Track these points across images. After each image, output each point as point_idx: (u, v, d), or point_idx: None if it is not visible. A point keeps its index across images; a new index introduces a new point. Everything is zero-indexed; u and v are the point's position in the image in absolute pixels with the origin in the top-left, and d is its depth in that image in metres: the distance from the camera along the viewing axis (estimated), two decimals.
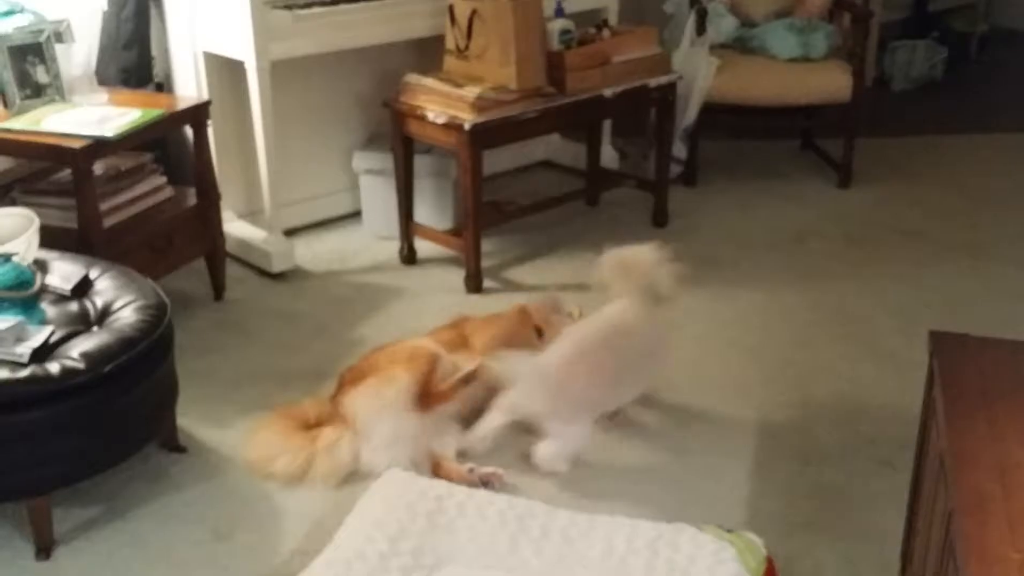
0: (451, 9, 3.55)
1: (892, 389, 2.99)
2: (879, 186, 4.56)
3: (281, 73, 3.52)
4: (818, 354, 3.19)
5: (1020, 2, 6.83)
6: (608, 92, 3.70)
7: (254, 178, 3.69)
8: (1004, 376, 1.68)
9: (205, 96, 3.52)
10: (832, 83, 4.38)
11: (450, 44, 3.60)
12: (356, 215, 4.15)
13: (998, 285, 3.64)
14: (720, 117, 4.51)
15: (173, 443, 2.70)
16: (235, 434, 2.79)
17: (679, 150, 4.42)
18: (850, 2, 4.73)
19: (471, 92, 3.40)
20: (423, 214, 3.90)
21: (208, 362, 3.14)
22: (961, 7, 6.53)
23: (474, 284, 3.58)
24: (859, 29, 4.43)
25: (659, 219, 4.13)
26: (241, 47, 3.38)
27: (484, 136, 3.41)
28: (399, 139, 3.66)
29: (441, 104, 3.46)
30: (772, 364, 3.15)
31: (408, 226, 3.78)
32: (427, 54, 3.84)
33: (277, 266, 3.65)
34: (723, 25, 4.58)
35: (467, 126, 3.35)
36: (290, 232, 3.91)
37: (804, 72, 4.43)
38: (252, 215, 3.86)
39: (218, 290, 3.50)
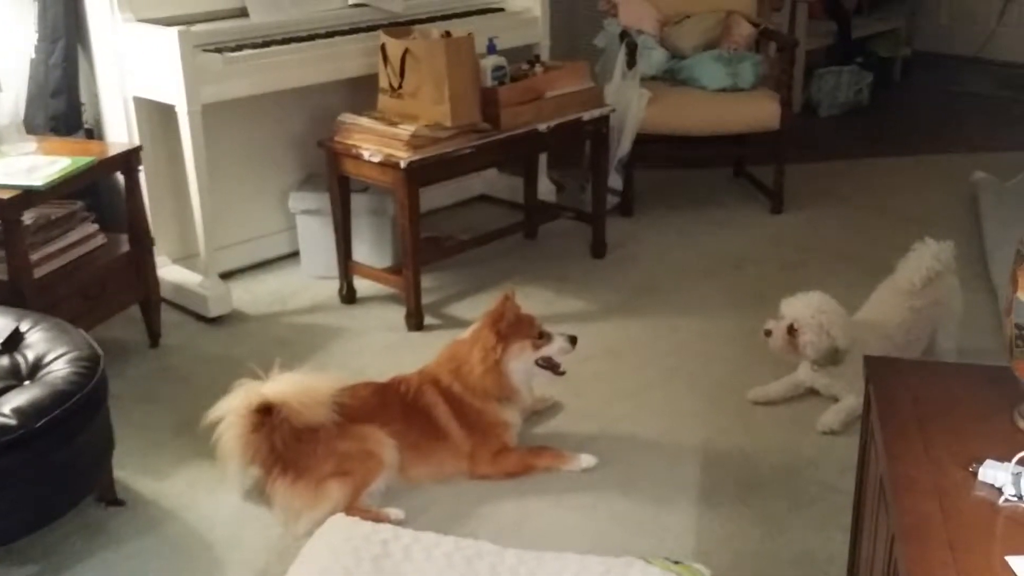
0: (383, 49, 3.56)
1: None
2: (810, 210, 4.65)
3: (213, 115, 3.49)
4: (759, 380, 3.22)
5: (940, 26, 7.04)
6: (542, 126, 3.73)
7: (188, 222, 3.65)
8: (937, 399, 1.72)
9: (136, 141, 3.47)
10: (761, 112, 4.46)
11: (383, 83, 3.60)
12: (294, 256, 4.12)
13: None
14: (653, 147, 4.56)
15: (111, 496, 2.64)
16: (175, 485, 2.74)
17: (615, 181, 4.46)
18: (775, 32, 4.84)
19: (406, 130, 3.40)
20: (362, 252, 3.88)
21: (145, 411, 3.08)
22: (884, 33, 6.71)
23: (415, 322, 3.57)
24: (785, 58, 4.52)
25: (598, 250, 4.16)
26: (171, 91, 3.34)
27: (420, 173, 3.41)
28: (335, 178, 3.64)
29: (376, 143, 3.46)
30: (714, 391, 3.18)
31: (347, 265, 3.76)
32: (361, 93, 3.84)
33: (214, 310, 3.60)
34: (653, 58, 4.65)
35: (403, 164, 3.35)
36: (227, 275, 3.86)
37: (733, 102, 4.51)
38: (187, 259, 3.81)
39: (154, 337, 3.44)
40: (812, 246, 4.28)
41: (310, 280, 3.98)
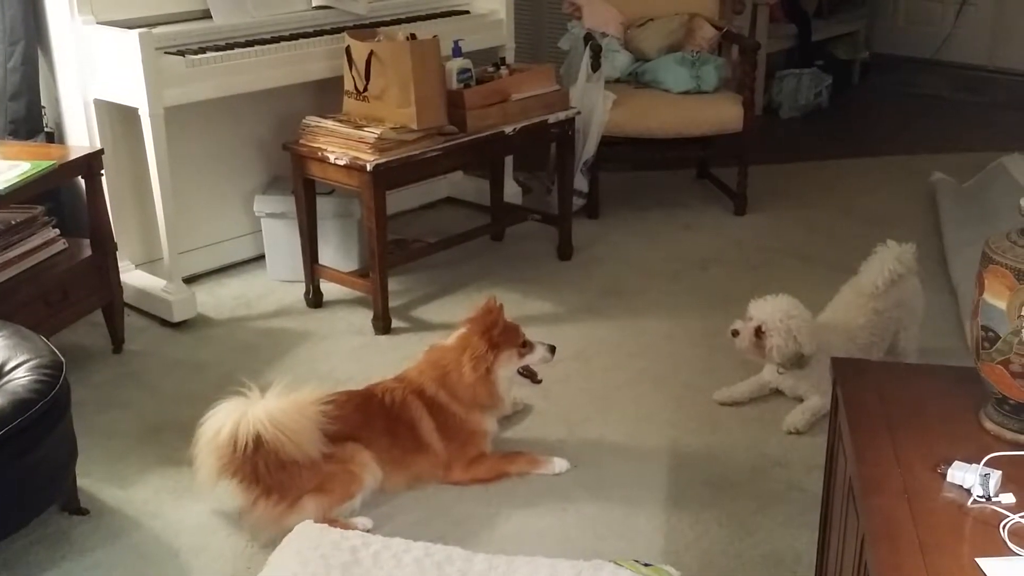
0: (348, 51, 3.54)
1: None
2: (773, 212, 4.69)
3: (177, 118, 3.45)
4: (725, 380, 3.24)
5: (898, 29, 7.13)
6: (509, 129, 3.73)
7: (151, 226, 3.61)
8: (904, 400, 1.74)
9: (97, 144, 3.42)
10: (724, 114, 4.50)
11: (349, 86, 3.58)
12: (259, 259, 4.08)
13: None
14: (618, 150, 4.58)
15: (74, 505, 2.60)
16: (140, 493, 2.71)
17: (580, 183, 4.47)
18: (737, 35, 4.88)
19: (372, 133, 3.39)
20: (328, 256, 3.86)
21: (109, 418, 3.04)
22: (842, 36, 6.78)
23: (382, 325, 3.55)
24: (747, 61, 4.56)
25: (564, 252, 4.17)
26: (134, 94, 3.31)
27: (387, 176, 3.40)
28: (300, 182, 3.62)
29: (342, 146, 3.44)
30: (680, 391, 3.20)
31: (313, 269, 3.74)
32: (326, 95, 3.82)
33: (178, 315, 3.57)
34: (617, 60, 4.66)
35: (369, 167, 3.34)
36: (191, 279, 3.83)
37: (697, 104, 4.54)
38: (151, 263, 3.77)
39: (117, 343, 3.40)
40: (775, 247, 4.32)
41: (275, 284, 3.96)
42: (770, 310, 2.95)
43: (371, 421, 2.64)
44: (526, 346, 2.79)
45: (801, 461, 2.79)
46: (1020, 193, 4.20)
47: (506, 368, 2.76)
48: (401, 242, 4.16)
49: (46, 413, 2.30)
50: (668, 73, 4.60)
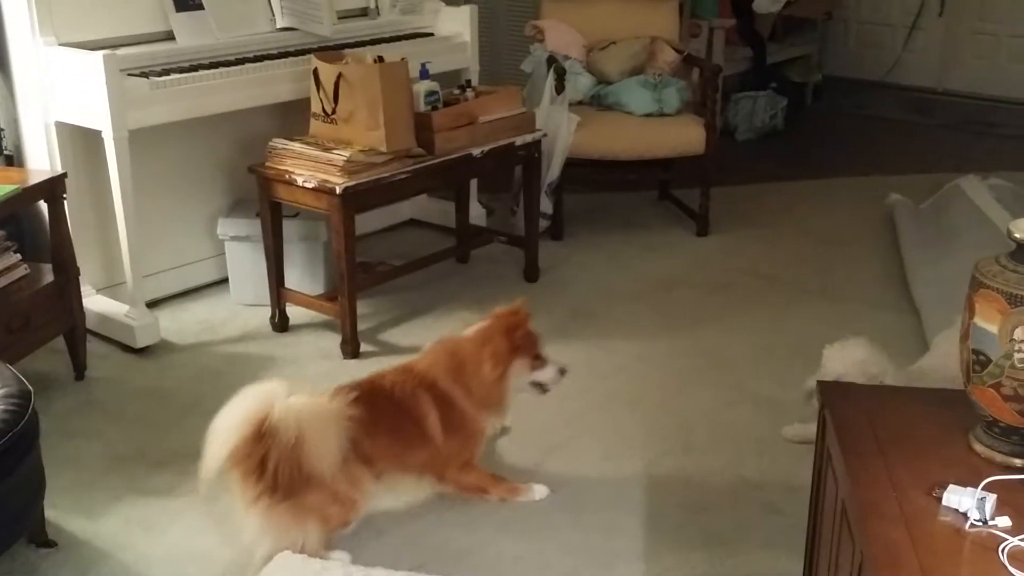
0: (316, 73, 3.51)
1: (769, 432, 3.08)
2: (734, 233, 4.74)
3: (140, 140, 3.40)
4: (696, 401, 3.27)
5: (849, 52, 7.27)
6: (476, 151, 3.73)
7: (113, 249, 3.55)
8: (893, 424, 1.75)
9: (59, 167, 3.36)
10: (686, 136, 4.54)
11: (316, 108, 3.56)
12: (222, 283, 4.03)
13: (852, 326, 3.78)
14: (581, 171, 4.60)
15: (42, 538, 2.54)
16: (109, 524, 2.64)
17: (545, 205, 4.48)
18: (698, 59, 4.93)
19: (341, 155, 3.36)
20: (293, 279, 3.81)
21: (74, 447, 2.97)
22: (796, 59, 6.89)
23: (351, 349, 3.52)
24: (709, 84, 4.61)
25: (530, 274, 4.17)
26: (97, 116, 3.25)
27: (356, 199, 3.37)
28: (267, 204, 3.58)
29: (310, 168, 3.41)
30: (653, 413, 3.20)
31: (279, 292, 3.69)
32: (291, 118, 3.79)
33: (141, 340, 3.50)
34: (580, 83, 4.69)
35: (338, 189, 3.31)
36: (153, 303, 3.77)
37: (659, 126, 4.57)
38: (112, 288, 3.70)
39: (79, 369, 3.33)
40: (738, 268, 4.36)
41: (240, 308, 3.90)
42: (849, 361, 2.75)
43: (378, 417, 2.48)
44: (539, 359, 2.71)
45: (778, 483, 2.80)
46: (976, 214, 4.31)
47: (518, 376, 2.67)
48: (366, 265, 4.13)
49: (15, 444, 2.24)
50: (631, 96, 4.63)
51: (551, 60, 4.59)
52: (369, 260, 4.19)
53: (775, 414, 3.16)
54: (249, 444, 2.27)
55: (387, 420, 2.53)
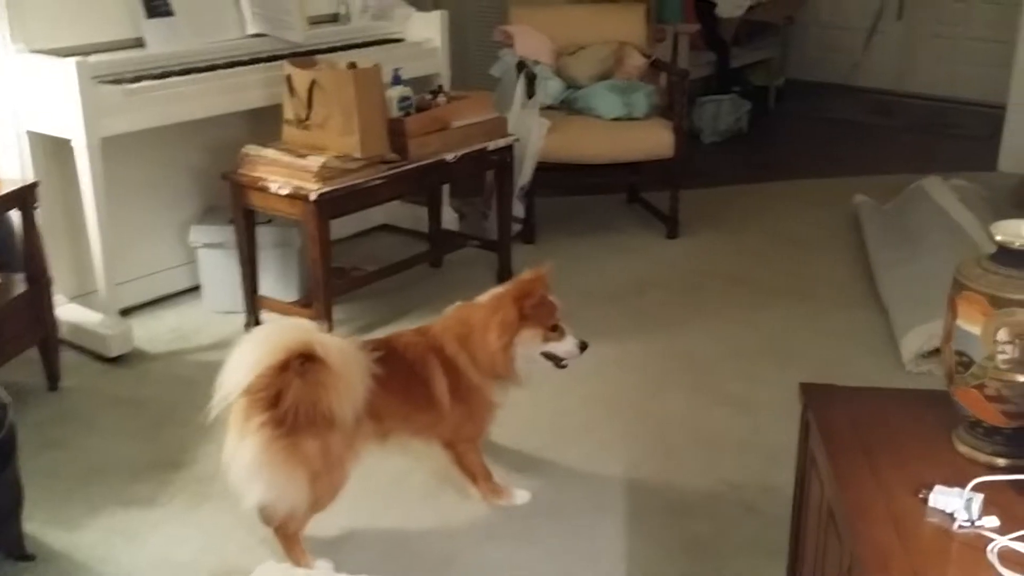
0: (289, 79, 3.51)
1: (745, 433, 3.12)
2: (703, 235, 4.78)
3: (110, 147, 3.36)
4: (672, 403, 3.30)
5: (811, 56, 7.36)
6: (450, 156, 3.74)
7: (85, 258, 3.51)
8: (876, 425, 1.79)
9: (30, 176, 3.32)
10: (655, 140, 4.58)
11: (289, 114, 3.55)
12: (194, 290, 4.01)
13: (823, 326, 3.86)
14: (551, 175, 4.62)
15: (20, 551, 2.51)
16: (88, 536, 2.62)
17: (516, 209, 4.49)
18: (666, 63, 4.97)
19: (315, 162, 3.36)
20: (267, 286, 3.80)
21: (50, 459, 2.94)
22: (759, 63, 6.97)
23: None
24: (677, 88, 4.65)
25: (504, 278, 4.16)
26: (69, 125, 3.22)
27: (330, 205, 3.37)
28: (240, 211, 3.57)
29: (284, 175, 3.40)
30: (630, 416, 3.23)
31: (253, 299, 3.68)
32: (262, 124, 3.78)
33: (115, 349, 3.47)
34: (550, 88, 4.71)
35: (313, 196, 3.31)
36: (126, 312, 3.73)
37: (629, 130, 4.61)
38: (84, 296, 3.66)
39: (52, 380, 3.30)
40: (708, 270, 4.40)
41: (213, 315, 3.88)
42: None
43: (390, 376, 2.41)
44: (556, 330, 2.62)
45: (756, 484, 2.84)
46: (940, 215, 4.39)
47: (526, 347, 2.58)
48: (340, 270, 4.11)
49: None
50: (600, 100, 4.66)
51: (521, 65, 4.61)
52: (343, 265, 4.18)
53: (751, 415, 3.21)
54: (275, 373, 2.21)
55: (398, 379, 2.48)
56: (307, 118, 3.47)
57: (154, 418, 3.19)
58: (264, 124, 3.76)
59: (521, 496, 2.75)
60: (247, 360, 2.23)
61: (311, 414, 2.24)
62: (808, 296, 4.13)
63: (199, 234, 3.84)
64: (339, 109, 3.40)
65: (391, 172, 3.54)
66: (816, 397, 1.91)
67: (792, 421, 3.04)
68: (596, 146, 4.56)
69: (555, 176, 4.68)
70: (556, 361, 2.66)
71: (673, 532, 2.66)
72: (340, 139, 3.43)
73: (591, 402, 3.32)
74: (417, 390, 2.55)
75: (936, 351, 3.46)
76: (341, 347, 2.30)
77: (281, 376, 2.22)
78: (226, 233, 3.78)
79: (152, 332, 3.74)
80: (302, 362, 2.22)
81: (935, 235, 4.19)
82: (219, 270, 3.85)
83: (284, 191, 3.37)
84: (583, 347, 2.66)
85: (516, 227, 4.52)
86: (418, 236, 4.54)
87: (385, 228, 4.78)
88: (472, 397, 2.61)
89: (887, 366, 3.52)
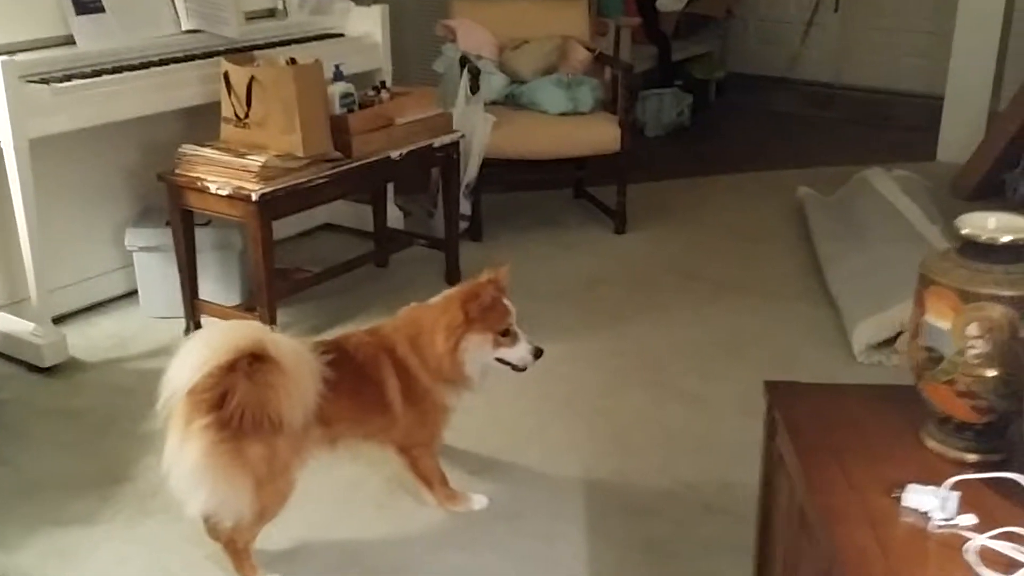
0: (226, 76, 3.40)
1: (701, 430, 3.09)
2: (651, 230, 4.75)
3: (39, 148, 3.22)
4: (627, 401, 3.26)
5: (750, 49, 7.38)
6: (395, 154, 3.66)
7: (13, 264, 3.37)
8: (845, 422, 1.76)
9: None
10: (602, 135, 4.54)
11: (227, 112, 3.44)
12: (130, 295, 3.88)
13: (773, 320, 3.85)
14: (496, 172, 4.56)
15: None
16: (24, 557, 2.50)
17: (463, 206, 4.42)
18: (610, 57, 4.93)
19: (256, 161, 3.25)
20: (207, 290, 3.68)
21: None
22: (700, 56, 6.97)
23: None
24: (623, 82, 4.62)
25: (452, 277, 4.10)
26: None
27: (273, 206, 3.27)
28: (178, 213, 3.45)
29: (224, 175, 3.29)
30: (586, 415, 3.18)
31: (193, 304, 3.56)
32: (197, 122, 3.66)
33: (49, 359, 3.34)
34: (493, 83, 4.64)
35: (255, 196, 3.21)
36: (59, 319, 3.60)
37: (575, 125, 4.56)
38: (13, 305, 3.51)
39: None
40: (659, 265, 4.38)
41: (150, 321, 3.75)
42: None
43: (339, 379, 2.33)
44: (508, 335, 2.51)
45: (713, 482, 2.80)
46: (884, 206, 4.41)
47: (475, 351, 2.48)
48: (283, 272, 4.00)
49: None
50: (545, 95, 4.61)
51: (464, 60, 4.54)
52: (286, 267, 4.06)
53: (706, 413, 3.18)
54: (222, 373, 2.12)
55: (349, 381, 2.39)
56: (246, 116, 3.36)
57: (92, 430, 3.07)
58: (200, 123, 3.64)
59: (478, 501, 2.69)
60: (193, 359, 2.14)
61: (258, 417, 2.15)
62: (757, 290, 4.12)
63: (135, 237, 3.71)
64: (279, 106, 3.30)
65: (334, 171, 3.45)
66: (781, 395, 1.88)
67: (747, 417, 3.04)
68: (542, 141, 4.51)
69: (499, 172, 4.62)
70: (513, 366, 2.57)
71: (634, 533, 2.61)
72: (281, 137, 3.33)
73: (546, 401, 3.26)
74: (368, 392, 2.47)
75: (886, 342, 3.48)
76: (294, 348, 2.22)
77: (228, 377, 2.13)
78: (163, 236, 3.65)
79: (88, 340, 3.60)
80: (250, 362, 2.14)
81: (880, 226, 4.21)
82: (156, 274, 3.72)
83: (224, 192, 3.26)
84: (537, 354, 2.56)
85: (462, 224, 4.44)
86: (362, 235, 4.44)
87: (327, 228, 4.67)
88: (424, 400, 2.53)
89: (839, 358, 3.52)
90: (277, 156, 3.31)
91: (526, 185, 5.08)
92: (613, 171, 4.64)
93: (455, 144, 3.95)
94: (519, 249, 4.49)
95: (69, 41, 3.44)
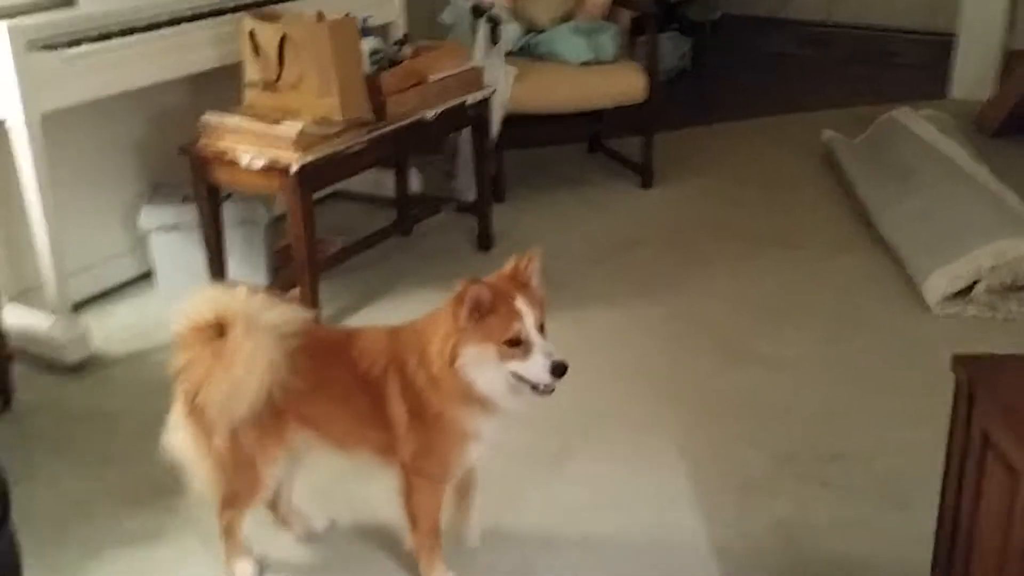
0: (252, 36, 3.09)
1: (787, 397, 2.90)
2: (677, 183, 4.53)
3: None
4: (698, 368, 3.06)
5: None
6: (429, 114, 3.38)
7: (22, 252, 3.06)
8: None
9: None
10: (627, 84, 4.29)
11: (253, 75, 3.13)
12: (144, 279, 3.58)
13: (827, 274, 3.67)
14: (512, 128, 4.27)
15: None
16: None
17: None
18: (632, 0, 4.64)
19: (292, 128, 2.96)
20: (231, 268, 3.39)
21: (22, 493, 2.47)
22: None
23: None
24: (648, 26, 4.37)
25: (484, 242, 3.86)
26: (2, 102, 2.74)
27: (314, 177, 3.00)
28: (204, 189, 3.16)
29: (256, 144, 3.00)
30: (660, 386, 2.97)
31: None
32: (205, 88, 3.36)
33: (72, 355, 3.04)
34: (507, 32, 4.34)
35: (294, 167, 2.92)
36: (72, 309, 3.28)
37: (599, 75, 4.31)
38: (22, 295, 3.19)
39: (5, 397, 2.85)
40: (693, 221, 4.17)
41: (169, 306, 3.43)
42: None
43: (325, 380, 2.08)
44: (518, 346, 1.94)
45: (820, 454, 2.62)
46: (924, 148, 4.23)
47: (478, 368, 1.95)
48: None
49: None
50: (564, 44, 4.34)
51: (478, 9, 4.23)
52: None
53: (785, 375, 3.01)
54: (192, 341, 2.04)
55: (338, 386, 2.11)
56: (278, 79, 3.06)
57: (131, 433, 2.78)
58: (208, 88, 3.35)
59: None
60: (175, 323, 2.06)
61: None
62: (802, 243, 3.92)
63: (151, 216, 3.41)
64: (314, 67, 3.01)
65: (372, 135, 3.17)
66: (981, 371, 1.68)
67: (835, 383, 2.88)
68: (566, 93, 4.25)
69: (515, 128, 4.34)
70: (535, 388, 1.97)
71: (753, 514, 2.42)
72: (317, 101, 3.04)
73: (615, 375, 3.04)
74: (361, 403, 2.10)
75: (961, 292, 3.32)
76: (258, 330, 1.98)
77: (195, 348, 2.03)
78: (182, 213, 3.37)
79: (106, 331, 3.29)
80: (214, 335, 1.99)
81: (926, 169, 4.04)
82: (175, 255, 3.43)
83: (258, 164, 2.97)
84: (558, 370, 1.94)
85: None
86: (377, 202, 4.15)
87: (336, 196, 4.35)
88: (435, 426, 2.05)
89: (911, 311, 3.36)
90: (314, 122, 3.02)
91: (543, 141, 4.80)
92: (634, 122, 4.40)
93: (486, 100, 3.68)
94: (545, 209, 4.26)
95: (66, 3, 3.08)
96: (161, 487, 2.52)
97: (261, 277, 3.48)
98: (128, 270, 3.57)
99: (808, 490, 2.50)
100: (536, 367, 1.93)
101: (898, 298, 3.44)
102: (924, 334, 3.21)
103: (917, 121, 4.47)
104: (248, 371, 1.96)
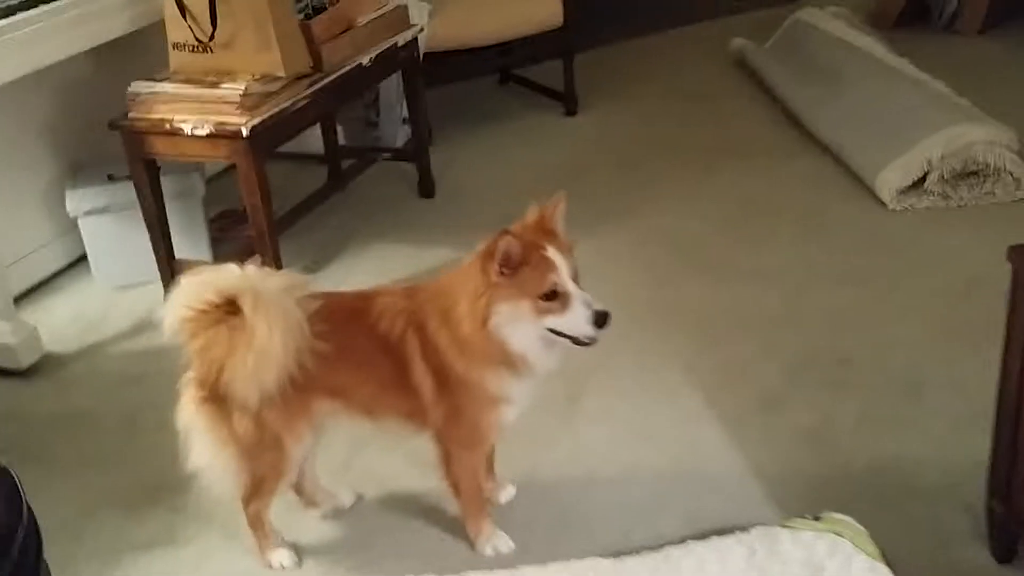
0: None
1: (783, 307, 2.92)
2: (601, 106, 4.47)
3: None
4: (688, 289, 3.05)
5: None
6: (364, 60, 3.22)
7: None
8: None
9: None
10: (544, 10, 4.20)
11: (179, 36, 2.90)
12: (75, 266, 3.35)
13: (781, 179, 3.68)
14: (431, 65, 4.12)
15: None
16: None
17: (405, 110, 4.00)
18: None
19: (235, 89, 2.77)
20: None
21: None
22: None
23: None
24: None
25: (426, 189, 3.74)
26: None
27: (264, 138, 2.81)
28: (140, 164, 2.93)
29: (197, 111, 2.79)
30: (656, 312, 2.92)
31: (171, 266, 3.06)
32: (106, 60, 3.13)
33: (25, 359, 2.81)
34: None
35: (244, 131, 2.74)
36: None
37: (515, 4, 4.19)
38: None
39: None
40: (633, 141, 4.12)
41: (112, 293, 3.24)
42: None
43: (348, 347, 1.97)
44: (554, 299, 1.84)
45: (827, 358, 2.64)
46: (843, 46, 4.27)
47: (512, 325, 1.84)
48: (232, 214, 3.54)
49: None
50: None
51: None
52: (233, 208, 3.58)
53: (775, 286, 3.01)
54: (201, 324, 1.89)
55: (362, 352, 1.99)
56: (211, 38, 2.84)
57: (109, 432, 2.61)
58: (111, 57, 3.12)
59: (504, 544, 2.14)
60: (173, 306, 1.91)
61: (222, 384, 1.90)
62: (745, 151, 3.94)
63: (77, 200, 3.16)
64: (250, 22, 2.80)
65: (314, 88, 2.99)
66: None
67: (829, 285, 2.91)
68: (484, 26, 4.14)
69: (427, 67, 4.18)
70: (575, 339, 1.87)
71: (776, 427, 2.42)
72: (255, 57, 2.85)
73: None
74: (385, 368, 1.99)
75: (914, 184, 3.38)
76: (277, 305, 1.85)
77: (209, 330, 1.89)
78: (111, 193, 3.14)
79: (51, 327, 3.05)
80: (226, 313, 1.86)
81: (850, 68, 4.09)
82: (109, 238, 3.20)
83: (203, 131, 2.77)
84: (601, 320, 1.84)
85: (406, 131, 4.04)
86: (300, 158, 3.93)
87: None
88: (461, 391, 1.96)
89: (869, 209, 3.41)
90: (255, 80, 2.83)
91: (455, 77, 4.65)
92: (557, 47, 4.30)
93: (415, 40, 3.52)
94: (476, 148, 4.15)
95: None
96: (159, 486, 2.39)
97: (203, 251, 3.29)
98: (58, 259, 3.34)
99: (826, 396, 2.51)
100: (577, 319, 1.84)
101: (854, 198, 3.49)
102: (886, 229, 3.26)
103: (826, 20, 4.51)
104: (271, 336, 1.83)
